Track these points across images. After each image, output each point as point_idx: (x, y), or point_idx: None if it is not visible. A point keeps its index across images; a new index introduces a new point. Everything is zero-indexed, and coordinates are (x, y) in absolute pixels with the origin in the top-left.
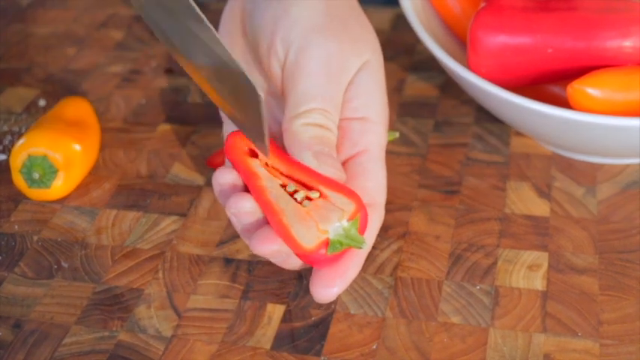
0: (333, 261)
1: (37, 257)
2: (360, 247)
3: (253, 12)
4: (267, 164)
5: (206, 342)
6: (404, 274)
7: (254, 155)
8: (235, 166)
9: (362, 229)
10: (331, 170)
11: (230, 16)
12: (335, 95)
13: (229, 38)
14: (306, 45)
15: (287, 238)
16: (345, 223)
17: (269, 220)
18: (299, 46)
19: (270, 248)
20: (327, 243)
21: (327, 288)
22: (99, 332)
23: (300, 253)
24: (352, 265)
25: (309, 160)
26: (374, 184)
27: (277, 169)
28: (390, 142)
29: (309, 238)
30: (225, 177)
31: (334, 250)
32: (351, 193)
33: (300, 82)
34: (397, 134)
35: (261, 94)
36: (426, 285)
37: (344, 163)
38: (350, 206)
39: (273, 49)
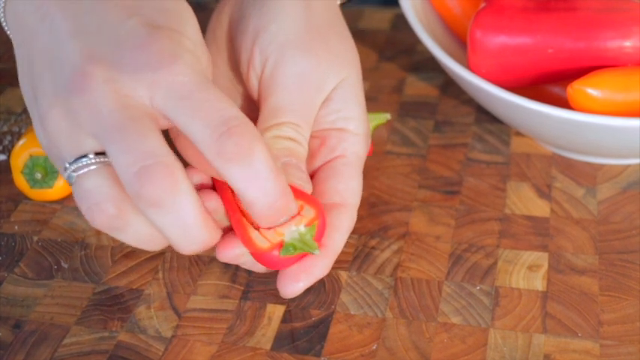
0: (288, 264)
1: (37, 258)
2: (313, 253)
3: (238, 24)
4: None
5: (206, 342)
6: (404, 274)
7: None
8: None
9: (318, 236)
10: (297, 183)
11: (217, 23)
12: (307, 111)
13: (215, 46)
14: (282, 60)
15: (243, 237)
16: (301, 228)
17: (230, 219)
18: (275, 61)
19: (234, 252)
20: (280, 245)
21: (293, 283)
22: (99, 333)
23: (254, 253)
24: (318, 261)
25: None
26: (345, 186)
27: None
28: (384, 128)
29: (264, 238)
30: (194, 178)
31: (287, 253)
32: (312, 201)
33: (274, 96)
34: (388, 116)
35: None
36: (426, 285)
37: (319, 168)
38: (309, 212)
39: (251, 61)
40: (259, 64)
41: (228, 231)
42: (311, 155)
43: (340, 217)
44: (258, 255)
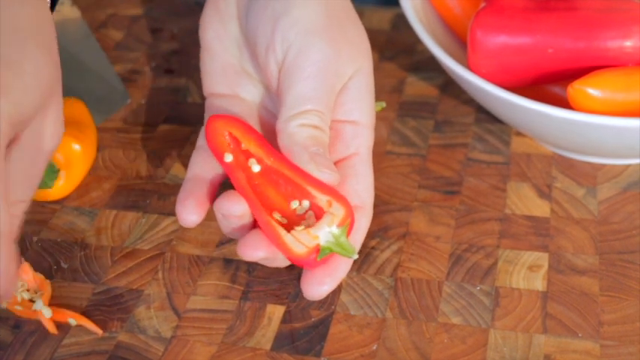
0: (323, 263)
1: (37, 258)
2: (350, 257)
3: (249, 8)
4: (251, 154)
5: (206, 343)
6: (404, 274)
7: (237, 144)
8: (218, 158)
9: (348, 235)
10: (326, 172)
11: (215, 9)
12: (329, 98)
13: (218, 18)
14: (306, 47)
15: (278, 243)
16: (334, 230)
17: (258, 223)
18: (298, 48)
19: (257, 255)
20: (317, 249)
21: (318, 286)
22: None
23: (291, 258)
24: (342, 264)
25: (305, 161)
26: (363, 186)
27: (263, 160)
28: (385, 128)
29: (300, 243)
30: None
31: (323, 256)
32: (340, 198)
33: (298, 84)
34: (384, 104)
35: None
36: (426, 286)
37: (335, 164)
38: (340, 211)
39: (271, 47)
40: (281, 50)
41: (251, 227)
42: None
43: (360, 219)
44: (294, 259)
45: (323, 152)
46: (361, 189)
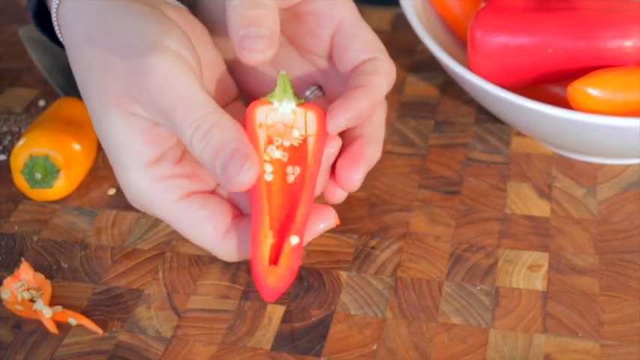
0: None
1: (37, 258)
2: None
3: None
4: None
5: (206, 343)
6: (404, 274)
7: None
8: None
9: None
10: (251, 54)
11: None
12: None
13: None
14: None
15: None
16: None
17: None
18: None
19: (343, 118)
20: (301, 101)
21: (353, 172)
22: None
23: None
24: (367, 147)
25: (236, 47)
26: (366, 41)
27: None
28: (385, 128)
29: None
30: None
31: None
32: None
33: None
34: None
35: None
36: (426, 285)
37: (330, 39)
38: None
39: None
40: None
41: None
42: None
43: (379, 69)
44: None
45: (255, 32)
46: (367, 45)
